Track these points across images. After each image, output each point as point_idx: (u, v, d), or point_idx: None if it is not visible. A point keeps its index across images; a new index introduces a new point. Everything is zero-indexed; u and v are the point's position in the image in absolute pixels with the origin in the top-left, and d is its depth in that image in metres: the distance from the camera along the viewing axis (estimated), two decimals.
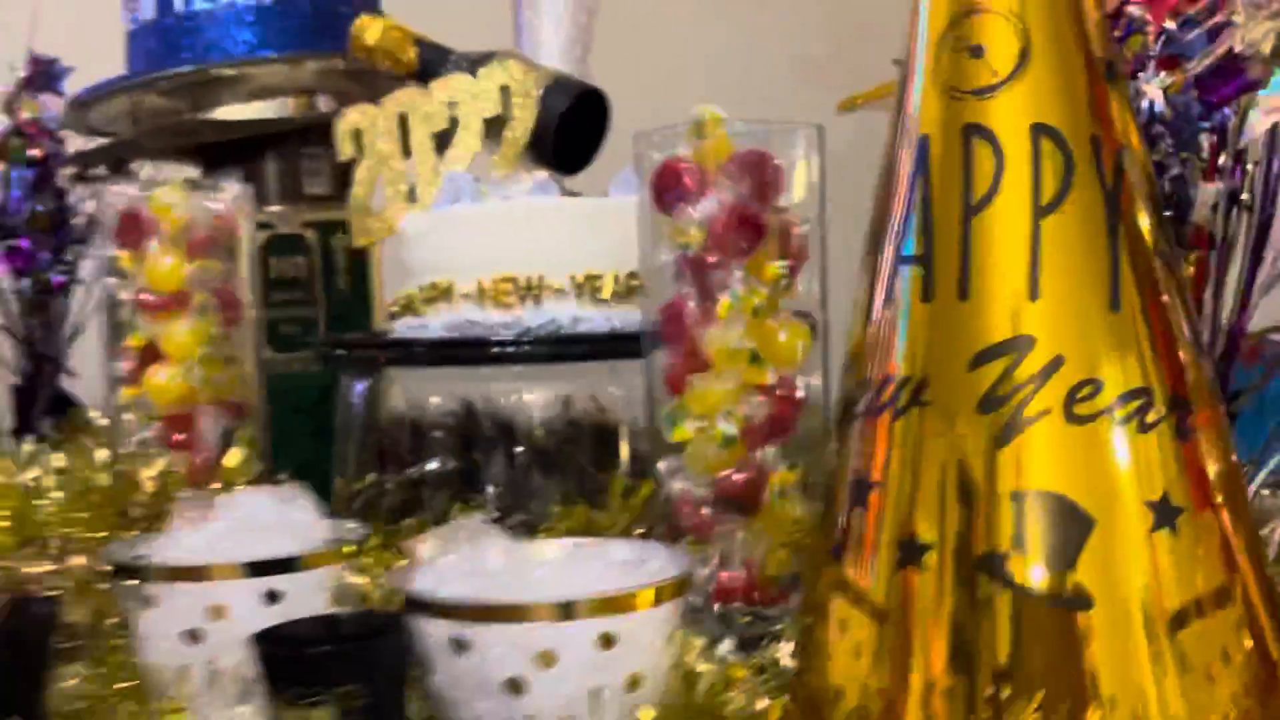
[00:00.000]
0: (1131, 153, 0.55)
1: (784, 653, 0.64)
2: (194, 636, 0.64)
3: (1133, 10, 0.80)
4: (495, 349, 0.95)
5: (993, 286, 0.53)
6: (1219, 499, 0.54)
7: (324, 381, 1.13)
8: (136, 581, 0.65)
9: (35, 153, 1.14)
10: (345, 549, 0.68)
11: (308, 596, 0.65)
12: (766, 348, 0.76)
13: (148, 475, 0.87)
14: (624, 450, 0.97)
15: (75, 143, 1.24)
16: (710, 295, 0.76)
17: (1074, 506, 0.51)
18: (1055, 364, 0.52)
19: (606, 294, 0.97)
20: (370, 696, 0.57)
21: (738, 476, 0.77)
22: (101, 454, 0.94)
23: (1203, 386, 0.55)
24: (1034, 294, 0.52)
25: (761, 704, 0.58)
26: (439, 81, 1.04)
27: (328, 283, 1.25)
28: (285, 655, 0.58)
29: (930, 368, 0.54)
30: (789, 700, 0.59)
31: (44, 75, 1.17)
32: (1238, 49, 0.70)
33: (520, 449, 0.99)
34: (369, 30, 1.09)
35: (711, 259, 0.76)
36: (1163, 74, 0.78)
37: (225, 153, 1.25)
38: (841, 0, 2.57)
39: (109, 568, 0.67)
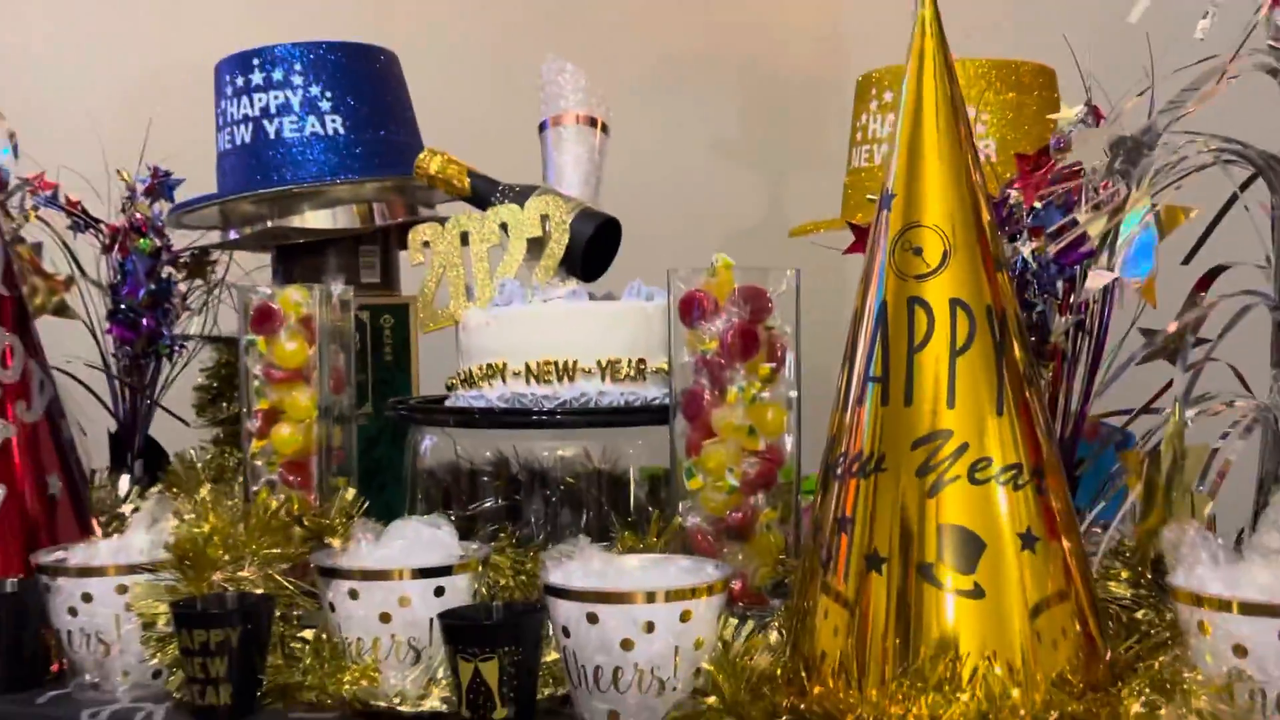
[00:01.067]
0: (1010, 314, 0.89)
1: (772, 633, 0.96)
2: (384, 619, 0.94)
3: (1012, 194, 1.15)
4: (538, 415, 1.26)
5: (925, 398, 0.86)
6: (1061, 532, 0.87)
7: (369, 434, 1.42)
8: (343, 580, 0.94)
9: (156, 244, 1.42)
10: (477, 561, 0.99)
11: (460, 592, 0.96)
12: (759, 423, 1.08)
13: (283, 508, 1.16)
14: (632, 493, 1.29)
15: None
16: (721, 386, 1.09)
17: (973, 534, 0.84)
18: (963, 448, 0.85)
19: (623, 375, 1.29)
20: (521, 655, 0.88)
21: (736, 515, 1.09)
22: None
23: (1053, 460, 0.88)
24: (950, 403, 0.86)
25: (766, 661, 0.89)
26: (493, 209, 1.35)
27: (376, 355, 1.55)
28: (467, 627, 0.88)
29: (885, 447, 0.87)
30: (787, 659, 0.90)
31: (161, 185, 1.45)
32: (1080, 232, 1.04)
33: (553, 492, 1.31)
34: (432, 162, 1.40)
35: (722, 361, 1.08)
36: (1032, 240, 1.13)
37: (296, 249, 1.55)
38: (755, 89, 2.94)
39: (316, 569, 0.97)
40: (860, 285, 0.92)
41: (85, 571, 1.00)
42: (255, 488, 1.25)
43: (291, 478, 1.24)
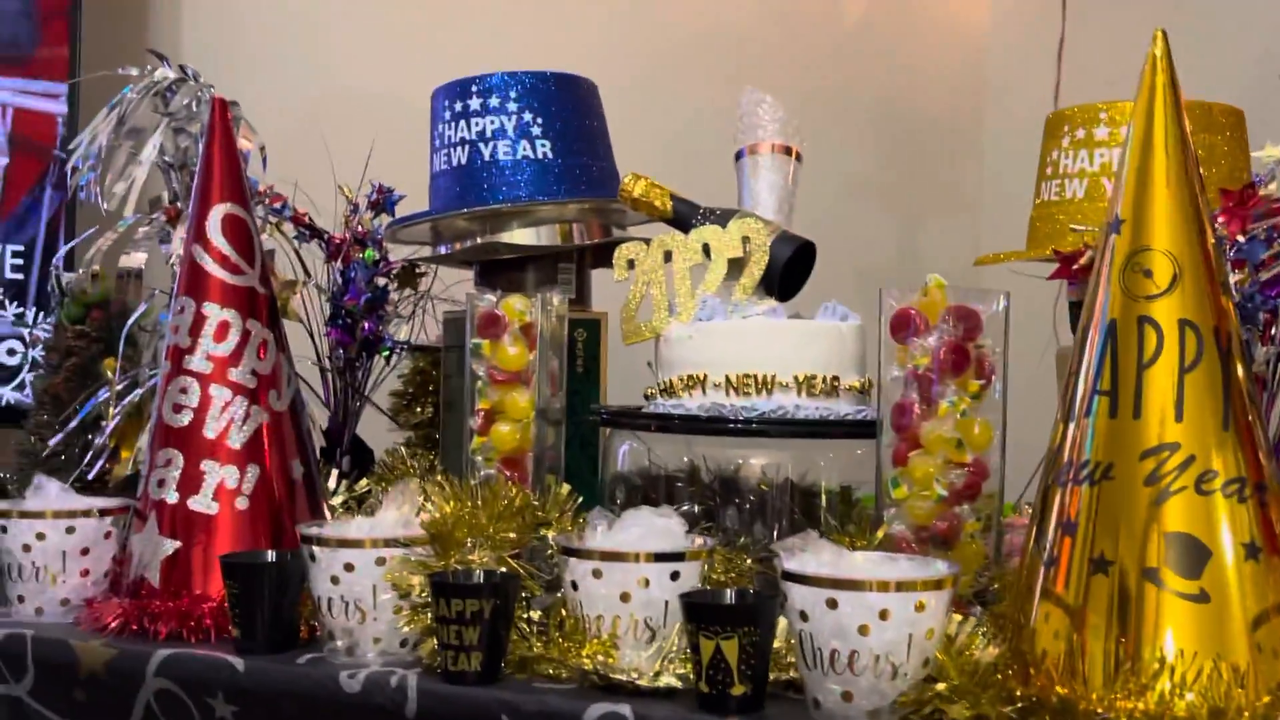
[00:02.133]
0: (1235, 336, 0.93)
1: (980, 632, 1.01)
2: (624, 598, 1.01)
3: (1216, 226, 1.20)
4: (738, 424, 1.33)
5: (1154, 411, 0.91)
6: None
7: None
8: (588, 561, 1.02)
9: (376, 256, 1.52)
10: (706, 550, 1.06)
11: (692, 577, 1.03)
12: (967, 437, 1.14)
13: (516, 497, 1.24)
14: (823, 503, 1.35)
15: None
16: (930, 400, 1.15)
17: (1199, 543, 0.89)
18: (1190, 460, 0.90)
19: (818, 390, 1.35)
20: (759, 636, 0.95)
21: (942, 524, 1.14)
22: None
23: (1273, 476, 0.93)
24: (1179, 417, 0.91)
25: (991, 653, 0.95)
26: (697, 230, 1.43)
27: (569, 366, 1.63)
28: (712, 606, 0.95)
29: (1114, 457, 0.92)
30: (1007, 653, 0.95)
31: (384, 200, 1.56)
32: None
33: (745, 500, 1.38)
34: (636, 185, 1.48)
35: (933, 376, 1.14)
36: (1236, 272, 1.17)
37: (498, 264, 1.64)
38: (890, 130, 3.00)
39: (560, 549, 1.05)
40: (1085, 306, 0.98)
41: (347, 543, 1.09)
42: (474, 481, 1.33)
43: (509, 473, 1.33)
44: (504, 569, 1.10)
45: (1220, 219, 1.18)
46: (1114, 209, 0.97)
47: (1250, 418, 0.93)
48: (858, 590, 0.91)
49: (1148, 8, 2.80)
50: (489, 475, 1.33)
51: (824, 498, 1.38)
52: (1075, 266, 1.21)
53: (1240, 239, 1.17)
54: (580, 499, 1.29)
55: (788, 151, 1.53)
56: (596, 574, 1.02)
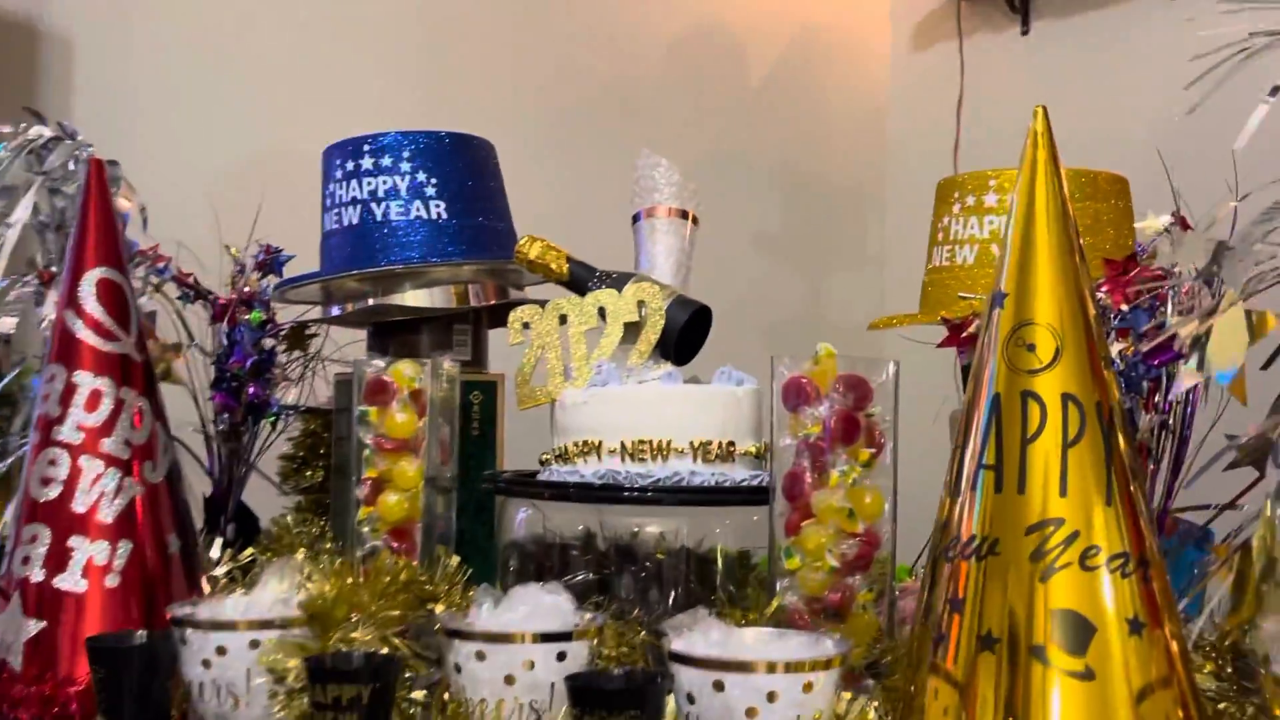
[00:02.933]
0: (1117, 410, 0.94)
1: (871, 710, 1.00)
2: (509, 680, 0.98)
3: (1100, 296, 1.21)
4: (634, 491, 1.31)
5: (1038, 486, 0.91)
6: (1165, 620, 0.92)
7: None
8: (471, 642, 0.99)
9: (263, 317, 1.49)
10: (595, 628, 1.03)
11: (579, 658, 1.00)
12: (859, 507, 1.13)
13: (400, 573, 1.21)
14: (719, 570, 1.33)
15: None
16: (822, 469, 1.14)
17: (1084, 619, 0.89)
18: (1074, 535, 0.90)
19: (713, 456, 1.34)
20: (645, 719, 0.92)
21: (834, 595, 1.13)
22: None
23: (1155, 550, 0.93)
24: (1063, 492, 0.91)
25: None
26: (592, 294, 1.41)
27: (463, 430, 1.60)
28: (596, 690, 0.93)
29: (999, 532, 0.92)
30: None
31: (272, 260, 1.52)
32: (1169, 334, 1.10)
33: (641, 568, 1.35)
34: (532, 247, 1.47)
35: (824, 445, 1.14)
36: (1119, 340, 1.19)
37: (391, 326, 1.61)
38: (795, 189, 3.03)
39: (443, 631, 1.01)
40: (972, 378, 0.97)
41: (219, 626, 1.05)
42: (361, 553, 1.30)
43: (396, 544, 1.30)
44: (387, 649, 1.07)
45: (1104, 289, 1.19)
46: (998, 283, 0.97)
47: (1132, 490, 0.93)
48: (745, 672, 0.89)
49: (1041, 69, 2.88)
50: (375, 547, 1.30)
51: (720, 564, 1.36)
52: (964, 335, 1.21)
53: (1124, 308, 1.18)
54: (470, 571, 1.26)
55: (684, 215, 1.53)
56: (480, 656, 0.99)
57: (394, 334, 1.60)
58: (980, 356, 0.97)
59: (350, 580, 1.11)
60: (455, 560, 1.25)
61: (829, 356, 1.15)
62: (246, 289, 1.52)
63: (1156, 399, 1.19)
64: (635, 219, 1.54)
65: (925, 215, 3.04)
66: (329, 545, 1.52)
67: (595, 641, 1.04)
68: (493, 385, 1.61)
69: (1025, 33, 3.02)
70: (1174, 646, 0.92)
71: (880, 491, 1.15)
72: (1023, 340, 0.94)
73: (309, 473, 1.74)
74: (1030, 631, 0.89)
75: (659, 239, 1.51)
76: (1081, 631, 0.89)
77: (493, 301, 1.62)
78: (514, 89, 2.42)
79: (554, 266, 1.47)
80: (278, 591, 1.11)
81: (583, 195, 2.32)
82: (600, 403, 1.36)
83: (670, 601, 1.34)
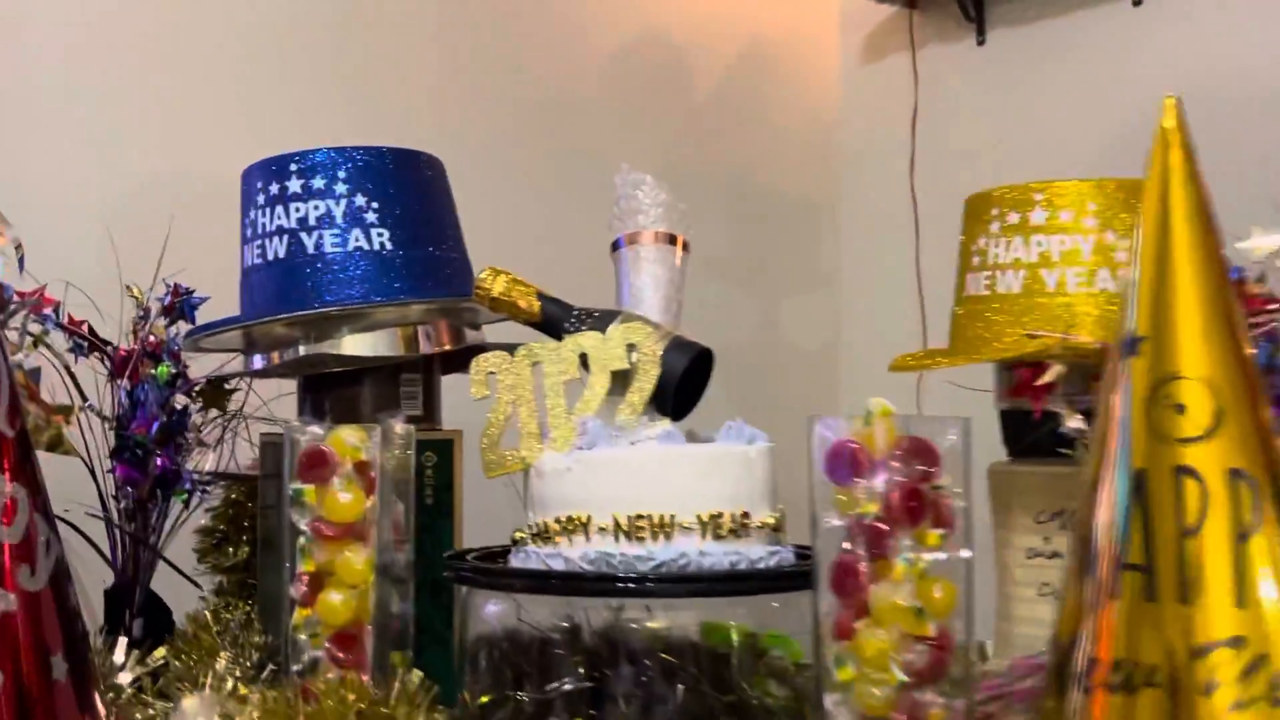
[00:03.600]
0: None
1: None
2: None
3: None
4: (632, 582, 1.08)
5: (1207, 594, 0.69)
6: None
7: None
8: None
9: (172, 372, 1.23)
10: None
11: None
12: (928, 603, 0.91)
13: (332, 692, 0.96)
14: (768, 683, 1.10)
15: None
16: (883, 557, 0.91)
17: None
18: (1260, 661, 0.68)
19: (725, 531, 1.11)
20: None
21: (900, 717, 0.91)
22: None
23: None
24: (1240, 603, 0.69)
25: None
26: (572, 337, 1.18)
27: (416, 497, 1.36)
28: None
29: (1156, 657, 0.70)
30: None
31: (182, 304, 1.26)
32: None
33: (642, 670, 1.12)
34: (496, 282, 1.23)
35: (884, 527, 0.91)
36: None
37: (327, 378, 1.36)
38: (745, 205, 2.84)
39: None
40: (1095, 445, 0.76)
41: None
42: (297, 667, 1.05)
43: (341, 654, 1.05)
44: None
45: None
46: (1127, 324, 0.75)
47: None
48: None
49: (999, 79, 2.72)
50: (315, 659, 1.05)
51: (736, 661, 1.13)
52: (1038, 383, 0.99)
53: None
54: (433, 690, 1.02)
55: (672, 240, 1.30)
56: None
57: (330, 387, 1.35)
58: (1106, 421, 0.75)
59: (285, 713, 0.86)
60: (417, 676, 1.01)
61: (884, 415, 0.93)
62: (152, 338, 1.27)
63: None
64: (615, 246, 1.31)
65: (881, 233, 2.87)
66: (256, 640, 1.27)
67: None
68: (448, 444, 1.37)
69: (981, 43, 2.86)
70: None
71: (951, 583, 0.93)
72: (1169, 399, 0.73)
73: (231, 549, 1.48)
74: None
75: (644, 269, 1.28)
76: None
77: (447, 346, 1.37)
78: (443, 104, 2.17)
79: (522, 304, 1.23)
80: None
81: (518, 217, 2.08)
82: (588, 469, 1.12)
83: (678, 708, 1.10)
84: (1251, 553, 0.69)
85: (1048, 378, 0.99)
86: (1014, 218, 1.23)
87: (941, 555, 0.92)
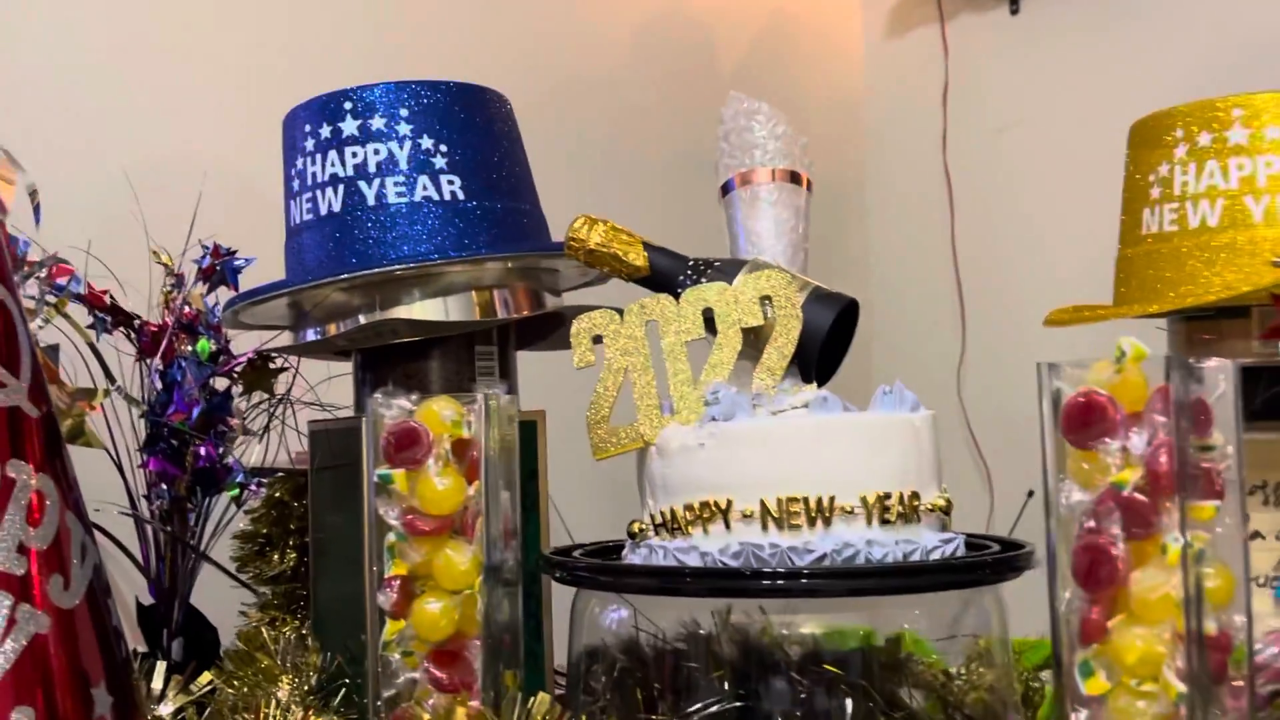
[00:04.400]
0: None
1: None
2: None
3: None
4: (788, 580, 0.89)
5: None
6: None
7: None
8: None
9: (214, 347, 1.03)
10: None
11: None
12: (1207, 593, 0.72)
13: None
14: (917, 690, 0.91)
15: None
16: (1146, 537, 0.72)
17: None
18: None
19: (894, 516, 0.92)
20: None
21: None
22: None
23: None
24: None
25: None
26: (693, 291, 0.99)
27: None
28: None
29: None
30: None
31: (223, 267, 1.07)
32: None
33: (800, 685, 0.93)
34: (593, 232, 1.04)
35: (1148, 500, 0.72)
36: None
37: (388, 351, 1.16)
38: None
39: None
40: None
41: None
42: (389, 692, 0.85)
43: (443, 674, 0.85)
44: None
45: None
46: None
47: None
48: None
49: (1034, 51, 2.55)
50: (411, 681, 0.85)
51: (907, 670, 0.94)
52: None
53: None
54: (563, 716, 0.83)
55: (795, 179, 1.11)
56: None
57: (393, 364, 1.15)
58: None
59: None
60: (544, 702, 0.82)
61: (1137, 359, 0.74)
62: (187, 309, 1.07)
63: None
64: (725, 188, 1.12)
65: (909, 216, 2.69)
66: (314, 660, 1.08)
67: None
68: (532, 426, 1.17)
69: (1015, 12, 2.69)
70: None
71: (1228, 566, 0.74)
72: None
73: (276, 556, 1.28)
74: None
75: (763, 212, 1.10)
76: None
77: (526, 312, 1.18)
78: (507, 71, 1.99)
79: (628, 256, 1.04)
80: None
81: (546, 198, 1.91)
82: (725, 445, 0.93)
83: None
84: None
85: None
86: (1206, 139, 1.04)
87: (1217, 532, 0.73)
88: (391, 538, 0.86)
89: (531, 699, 0.82)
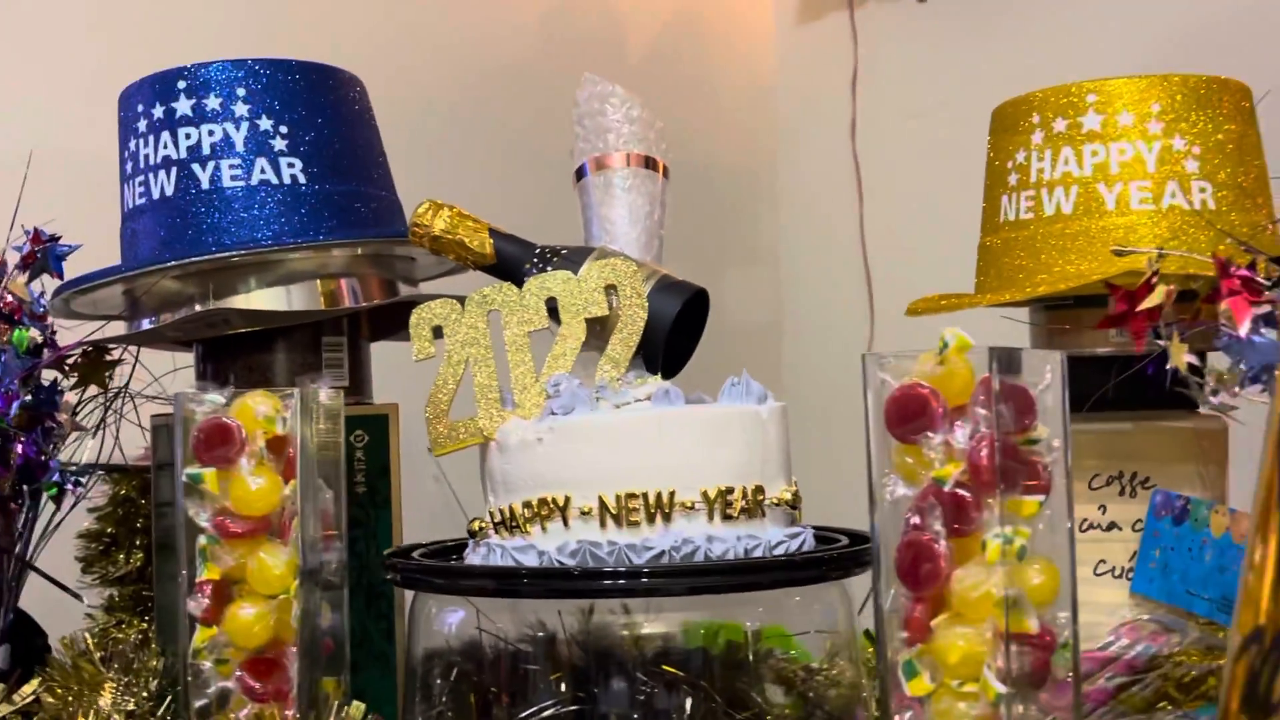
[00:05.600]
0: None
1: None
2: None
3: None
4: (626, 579, 0.86)
5: None
6: None
7: None
8: None
9: (36, 337, 0.98)
10: None
11: None
12: (1030, 591, 0.70)
13: None
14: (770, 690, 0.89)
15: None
16: (968, 533, 0.70)
17: None
18: None
19: (737, 510, 0.90)
20: None
21: None
22: None
23: None
24: None
25: None
26: (535, 279, 0.95)
27: (348, 488, 1.12)
28: None
29: None
30: None
31: (45, 254, 1.01)
32: None
33: (639, 685, 0.90)
34: (437, 218, 1.00)
35: (970, 495, 0.70)
36: None
37: (230, 342, 1.12)
38: (681, 174, 2.65)
39: None
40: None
41: None
42: (200, 702, 0.81)
43: (258, 685, 0.81)
44: None
45: None
46: None
47: None
48: None
49: (942, 37, 2.55)
50: (223, 691, 0.81)
51: (752, 668, 0.92)
52: (1141, 307, 0.79)
53: None
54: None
55: (651, 165, 1.08)
56: None
57: (235, 356, 1.11)
58: None
59: None
60: (358, 711, 0.78)
61: (961, 350, 0.72)
62: (9, 297, 1.02)
63: None
64: (579, 174, 1.08)
65: (821, 205, 2.69)
66: (154, 665, 1.03)
67: None
68: (382, 420, 1.13)
69: (923, 0, 2.70)
70: None
71: (1053, 563, 0.72)
72: None
73: (122, 556, 1.23)
74: None
75: (617, 198, 1.06)
76: None
77: (377, 301, 1.14)
78: (367, 68, 1.93)
79: (472, 243, 1.00)
80: None
81: (447, 186, 1.86)
82: (563, 440, 0.90)
83: None
84: None
85: (1152, 301, 0.78)
86: (1061, 124, 1.02)
87: (1039, 529, 0.71)
88: (203, 540, 0.82)
89: (346, 708, 0.78)
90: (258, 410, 0.82)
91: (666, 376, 0.98)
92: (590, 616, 0.91)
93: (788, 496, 0.92)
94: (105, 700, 0.93)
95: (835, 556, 0.87)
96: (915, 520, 0.71)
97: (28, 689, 1.01)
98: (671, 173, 2.61)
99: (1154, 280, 0.78)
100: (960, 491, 0.70)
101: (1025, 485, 0.71)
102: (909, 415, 0.71)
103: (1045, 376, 0.72)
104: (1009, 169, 1.07)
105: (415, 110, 1.98)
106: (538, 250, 1.00)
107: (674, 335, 0.97)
